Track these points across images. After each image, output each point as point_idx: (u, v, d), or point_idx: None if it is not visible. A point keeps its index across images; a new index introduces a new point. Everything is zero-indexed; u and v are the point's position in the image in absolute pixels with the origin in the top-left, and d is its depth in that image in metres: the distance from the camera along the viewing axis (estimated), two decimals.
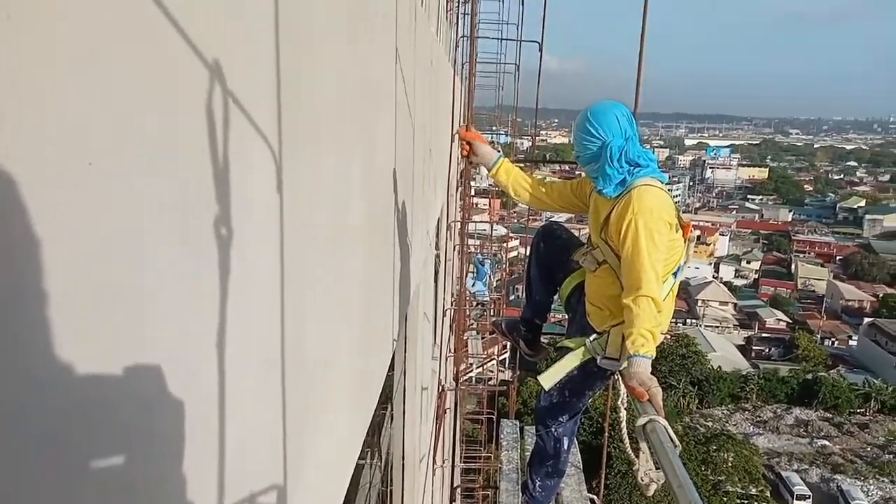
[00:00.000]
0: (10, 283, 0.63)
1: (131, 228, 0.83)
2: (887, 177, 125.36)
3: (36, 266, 0.66)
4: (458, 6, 8.71)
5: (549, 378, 2.69)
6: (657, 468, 2.15)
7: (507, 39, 11.12)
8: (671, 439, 2.04)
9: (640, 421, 2.15)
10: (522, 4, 9.94)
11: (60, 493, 0.71)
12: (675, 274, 2.59)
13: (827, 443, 36.03)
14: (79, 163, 0.72)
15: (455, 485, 8.03)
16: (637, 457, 2.21)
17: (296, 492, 1.55)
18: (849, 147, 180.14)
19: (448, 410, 7.82)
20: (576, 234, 3.18)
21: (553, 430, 2.95)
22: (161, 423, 0.95)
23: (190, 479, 1.01)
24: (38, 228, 0.65)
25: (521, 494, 3.22)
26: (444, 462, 7.43)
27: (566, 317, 2.96)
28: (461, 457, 11.06)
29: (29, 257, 0.65)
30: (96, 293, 0.76)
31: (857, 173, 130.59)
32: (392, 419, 4.82)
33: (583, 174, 2.79)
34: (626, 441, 2.40)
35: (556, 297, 3.09)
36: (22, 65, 0.63)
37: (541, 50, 7.80)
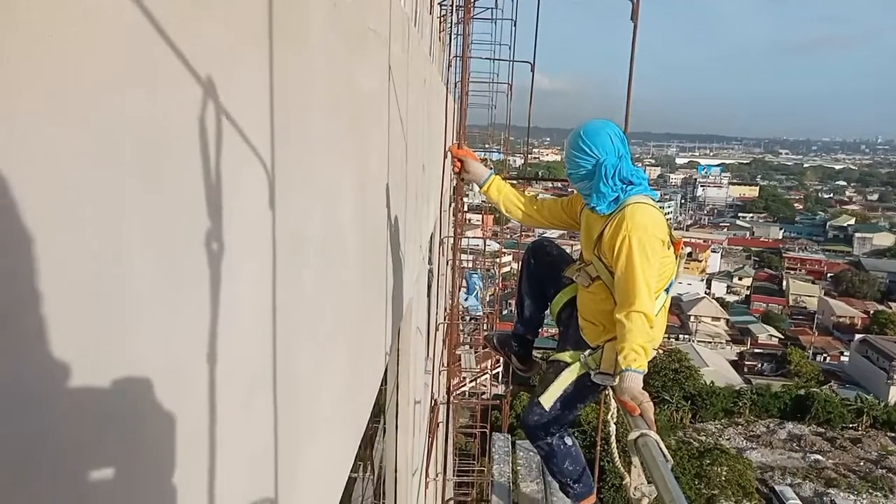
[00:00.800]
0: (2, 298, 0.64)
1: (121, 242, 0.84)
2: (876, 196, 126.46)
3: (27, 278, 0.67)
4: (451, 27, 8.81)
5: (549, 397, 2.71)
6: (649, 483, 2.15)
7: (499, 59, 11.26)
8: (663, 453, 2.05)
9: (632, 435, 2.16)
10: (514, 25, 10.05)
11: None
12: (666, 290, 2.62)
13: (820, 457, 36.00)
14: (68, 176, 0.73)
15: (447, 498, 7.97)
16: (628, 471, 2.21)
17: None
18: (837, 167, 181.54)
19: (441, 424, 7.79)
20: (567, 250, 3.20)
21: (548, 439, 2.96)
22: (152, 435, 0.95)
23: (181, 493, 1.01)
24: (28, 241, 0.67)
25: (566, 497, 3.26)
26: (436, 475, 7.39)
27: (558, 331, 2.97)
28: (454, 470, 10.99)
29: (20, 270, 0.66)
30: (87, 306, 0.77)
31: (847, 192, 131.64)
32: (385, 432, 4.80)
33: (574, 191, 2.82)
34: (617, 456, 2.40)
35: (547, 313, 3.11)
36: (12, 82, 0.64)
37: (533, 70, 7.87)
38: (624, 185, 2.53)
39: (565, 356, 2.72)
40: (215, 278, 1.11)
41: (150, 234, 0.91)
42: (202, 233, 1.07)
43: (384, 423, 4.73)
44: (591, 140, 2.54)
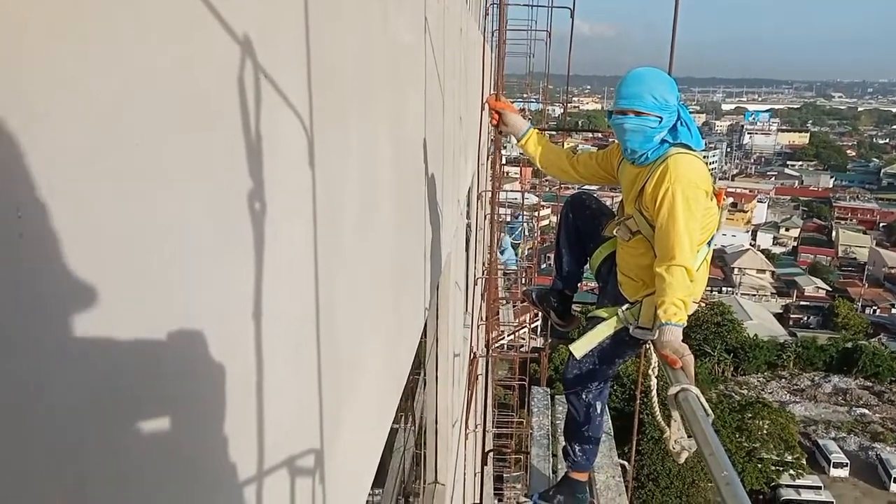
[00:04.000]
0: (60, 261, 0.67)
1: (168, 203, 0.86)
2: None
3: (82, 242, 0.69)
4: None
5: (582, 347, 2.70)
6: (689, 437, 2.15)
7: (537, 6, 10.92)
8: (703, 407, 2.04)
9: (672, 390, 2.15)
10: None
11: (108, 452, 0.76)
12: (708, 243, 2.56)
13: (866, 411, 35.47)
14: (116, 142, 0.74)
15: (487, 449, 8.15)
16: (668, 425, 2.22)
17: (332, 454, 1.60)
18: (895, 110, 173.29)
19: (480, 377, 7.90)
20: (607, 203, 3.15)
21: (583, 396, 2.97)
22: (203, 388, 0.99)
23: (231, 442, 1.05)
24: (83, 206, 0.68)
25: (563, 461, 3.26)
26: (476, 427, 7.54)
27: (598, 286, 2.95)
28: (493, 422, 11.20)
29: (76, 236, 0.68)
30: (137, 265, 0.79)
31: None
32: (425, 385, 4.90)
33: (612, 144, 2.75)
34: (657, 409, 2.40)
35: (586, 268, 3.08)
36: (56, 48, 0.65)
37: (572, 16, 7.60)
38: (677, 134, 2.45)
39: (603, 312, 2.71)
40: (259, 237, 1.13)
41: (199, 194, 0.93)
42: (246, 192, 1.08)
43: (425, 376, 4.83)
44: (671, 89, 2.43)
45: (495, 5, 7.84)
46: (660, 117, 2.40)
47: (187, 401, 0.94)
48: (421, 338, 3.43)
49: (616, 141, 2.66)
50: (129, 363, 0.78)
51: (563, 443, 3.23)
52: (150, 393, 0.84)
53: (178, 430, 0.89)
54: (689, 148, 2.45)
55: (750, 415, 27.63)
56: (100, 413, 0.73)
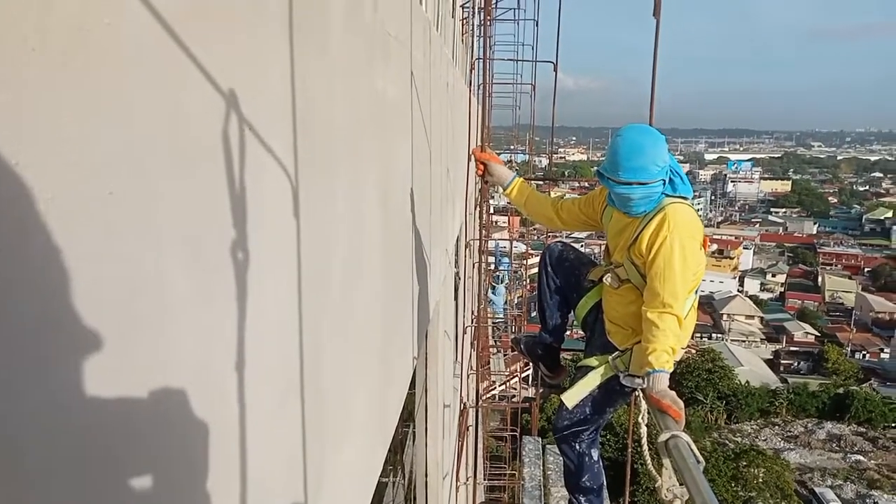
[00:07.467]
0: (38, 310, 0.66)
1: (150, 253, 0.86)
2: None
3: (61, 292, 0.69)
4: (474, 29, 8.81)
5: (573, 397, 2.68)
6: (681, 484, 2.12)
7: (522, 60, 11.23)
8: (694, 454, 2.02)
9: (663, 437, 2.13)
10: (537, 25, 10.04)
11: None
12: (695, 290, 2.59)
13: (861, 458, 35.06)
14: (100, 192, 0.75)
15: (479, 502, 7.96)
16: (659, 473, 2.19)
17: None
18: (873, 158, 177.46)
19: (470, 427, 7.78)
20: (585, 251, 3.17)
21: (576, 446, 2.92)
22: (184, 442, 0.97)
23: (213, 499, 1.03)
24: (62, 256, 0.69)
25: None
26: (467, 479, 7.37)
27: (585, 335, 2.94)
28: (485, 474, 10.96)
29: (54, 284, 0.68)
30: (118, 318, 0.79)
31: (883, 184, 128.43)
32: (415, 437, 4.81)
33: (595, 190, 2.79)
34: (647, 457, 2.38)
35: (571, 317, 3.07)
36: (49, 100, 0.66)
37: (556, 70, 7.82)
38: (673, 186, 2.48)
39: (592, 361, 2.70)
40: (242, 287, 1.13)
41: (181, 244, 0.93)
42: (228, 243, 1.09)
43: (414, 428, 4.75)
44: (665, 147, 2.46)
45: (481, 60, 8.05)
46: (663, 180, 2.45)
47: (168, 457, 0.92)
48: (410, 388, 3.39)
49: (599, 189, 2.70)
50: (107, 420, 0.77)
51: (568, 496, 3.18)
52: (128, 450, 0.82)
53: (158, 487, 0.87)
54: (682, 197, 2.49)
55: (745, 463, 27.25)
56: (76, 472, 0.72)
